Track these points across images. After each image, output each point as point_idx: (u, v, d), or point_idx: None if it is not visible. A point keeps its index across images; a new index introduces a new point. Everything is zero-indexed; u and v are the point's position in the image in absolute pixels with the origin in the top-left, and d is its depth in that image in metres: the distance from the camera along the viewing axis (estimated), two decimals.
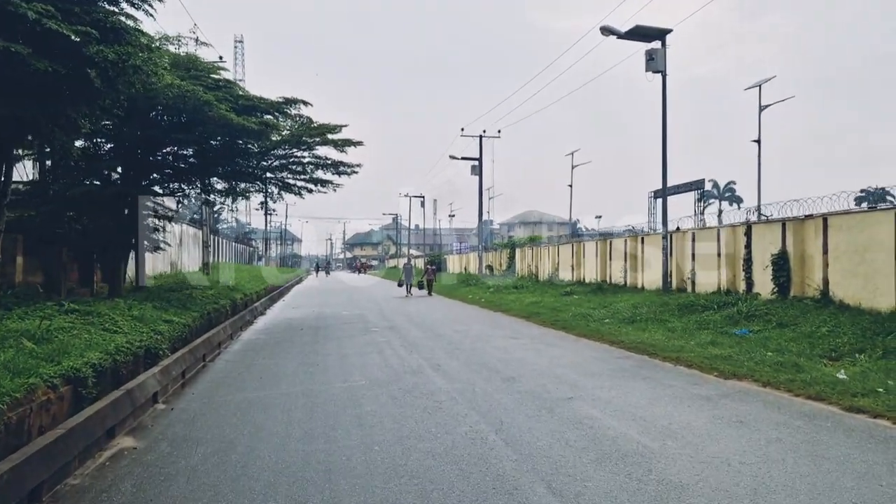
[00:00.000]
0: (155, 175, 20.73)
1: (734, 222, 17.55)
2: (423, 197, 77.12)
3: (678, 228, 20.16)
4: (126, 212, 18.70)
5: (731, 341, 11.93)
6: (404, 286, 33.50)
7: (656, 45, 18.83)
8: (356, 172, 23.97)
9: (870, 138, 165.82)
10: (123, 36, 12.49)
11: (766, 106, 29.96)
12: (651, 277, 21.56)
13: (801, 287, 14.62)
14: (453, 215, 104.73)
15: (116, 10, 12.86)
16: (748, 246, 16.41)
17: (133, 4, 13.55)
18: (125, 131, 17.66)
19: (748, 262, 16.40)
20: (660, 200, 40.85)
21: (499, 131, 43.45)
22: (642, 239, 22.69)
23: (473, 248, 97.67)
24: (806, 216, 14.74)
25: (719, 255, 17.78)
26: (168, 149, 20.24)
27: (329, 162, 23.27)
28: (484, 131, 43.04)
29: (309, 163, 23.43)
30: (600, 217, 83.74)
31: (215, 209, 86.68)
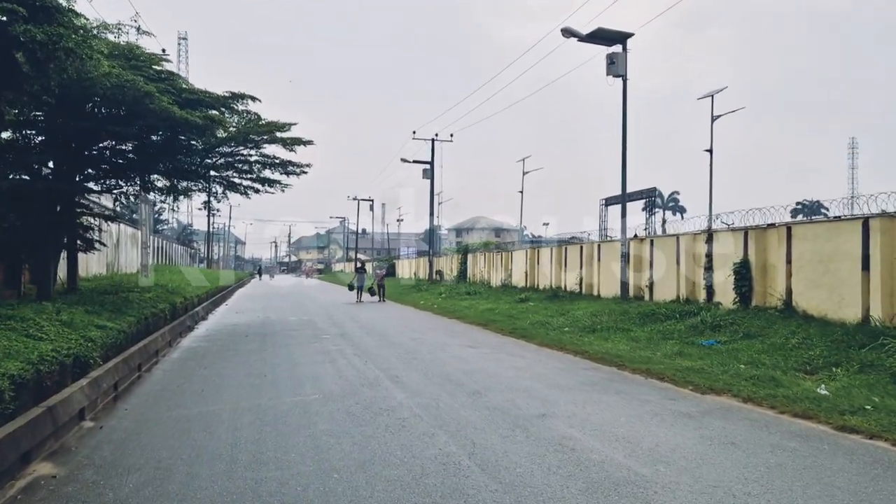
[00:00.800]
0: (90, 170, 19.46)
1: (694, 230, 17.33)
2: (373, 200, 76.02)
3: (636, 235, 19.88)
4: (58, 208, 17.46)
5: (699, 352, 11.55)
6: (355, 291, 32.19)
7: (617, 48, 18.53)
8: (305, 173, 23.11)
9: (800, 151, 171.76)
10: (55, 16, 11.45)
11: (718, 116, 30.19)
12: (608, 285, 21.26)
13: (763, 297, 14.41)
14: (401, 220, 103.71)
15: None
16: (709, 254, 16.18)
17: None
18: (59, 123, 16.43)
19: (709, 270, 16.17)
20: (611, 208, 40.67)
21: (451, 135, 42.81)
22: (599, 246, 22.39)
23: (421, 252, 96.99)
24: (768, 225, 14.54)
25: (678, 263, 17.53)
26: (105, 143, 19.04)
27: (277, 161, 22.35)
28: (436, 135, 42.48)
29: (256, 161, 22.45)
30: (548, 224, 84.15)
31: (156, 208, 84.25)
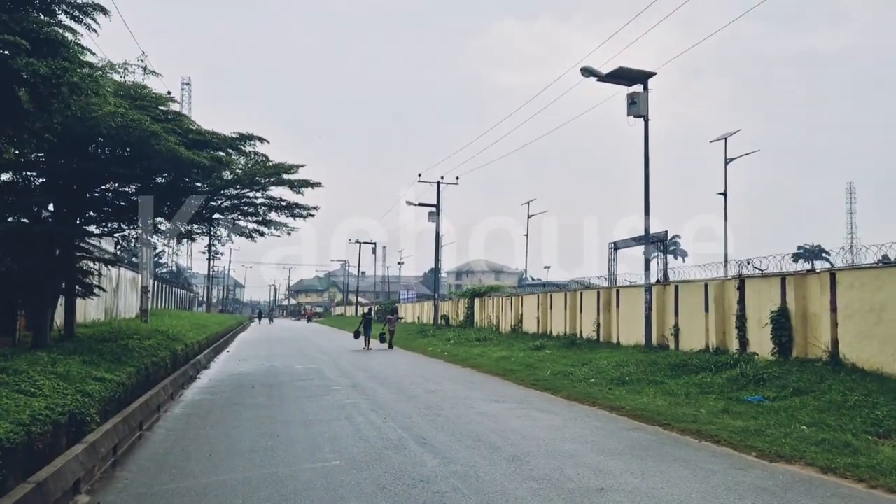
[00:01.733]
0: (92, 213, 18.77)
1: (724, 276, 16.54)
2: (375, 244, 75.40)
3: (658, 280, 19.09)
4: (57, 252, 16.71)
5: (747, 410, 10.65)
6: (361, 338, 29.97)
7: (637, 88, 18.02)
8: (312, 215, 22.40)
9: (802, 195, 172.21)
10: (60, 51, 10.85)
11: (732, 159, 29.69)
12: (628, 332, 20.39)
13: (805, 348, 13.56)
14: (402, 263, 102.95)
15: (52, 20, 11.24)
16: (741, 301, 15.37)
17: (73, 17, 11.93)
18: (60, 164, 15.76)
19: (741, 318, 15.33)
20: (619, 252, 39.93)
21: (457, 178, 42.40)
22: (617, 291, 21.59)
23: (422, 296, 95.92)
24: (808, 271, 13.79)
25: (707, 310, 16.71)
26: (108, 185, 18.39)
27: (284, 203, 21.62)
28: (442, 177, 42.02)
29: (262, 204, 21.72)
30: (549, 268, 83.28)
31: (156, 252, 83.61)
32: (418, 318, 51.81)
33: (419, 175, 42.15)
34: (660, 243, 33.49)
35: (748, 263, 15.66)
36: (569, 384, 14.85)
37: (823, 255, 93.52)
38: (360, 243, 78.49)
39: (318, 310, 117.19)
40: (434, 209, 42.18)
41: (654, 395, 12.65)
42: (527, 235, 52.38)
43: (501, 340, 27.09)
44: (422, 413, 11.62)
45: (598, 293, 22.55)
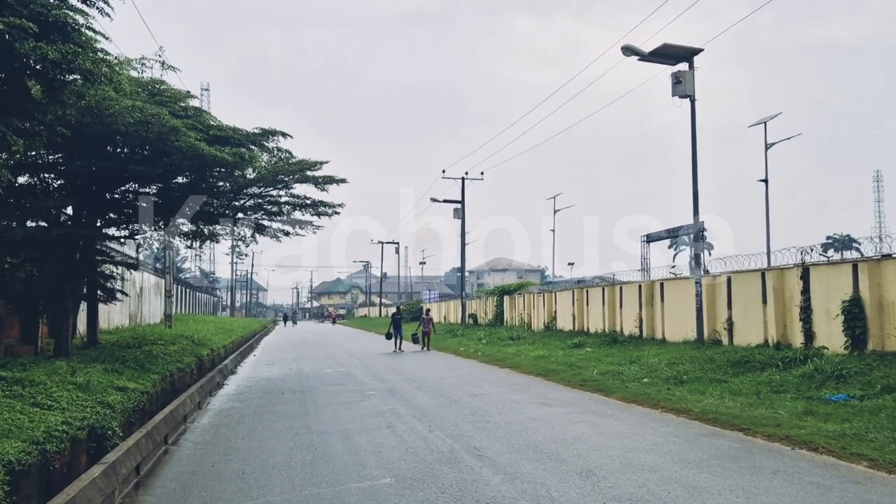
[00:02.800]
0: (112, 215, 18.05)
1: (783, 264, 15.38)
2: (398, 243, 74.60)
3: (707, 272, 17.97)
4: (77, 256, 16.00)
5: (835, 411, 9.57)
6: (393, 340, 28.28)
7: (682, 66, 16.92)
8: (338, 213, 21.51)
9: (827, 187, 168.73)
10: (70, 35, 10.02)
11: (772, 144, 28.40)
12: (675, 328, 19.28)
13: (882, 340, 12.41)
14: (424, 262, 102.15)
15: (61, 2, 10.42)
16: (805, 291, 14.23)
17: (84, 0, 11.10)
18: (78, 165, 15.00)
19: (806, 310, 14.19)
20: (653, 245, 38.70)
21: (482, 173, 41.40)
22: (661, 284, 20.47)
23: (444, 295, 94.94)
24: (883, 256, 12.64)
25: (765, 302, 15.56)
26: (128, 186, 17.66)
27: (309, 202, 20.73)
28: (466, 173, 41.03)
29: (286, 202, 20.86)
30: (573, 264, 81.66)
31: (178, 257, 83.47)
32: (444, 317, 50.86)
33: (443, 171, 41.20)
34: (697, 235, 32.24)
35: (811, 251, 14.51)
36: (620, 384, 13.82)
37: (854, 244, 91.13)
38: (383, 243, 77.77)
39: (341, 311, 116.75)
40: (459, 205, 41.23)
41: (721, 396, 11.58)
42: (553, 231, 51.24)
43: (536, 339, 26.06)
44: (468, 419, 10.66)
45: (640, 287, 21.45)
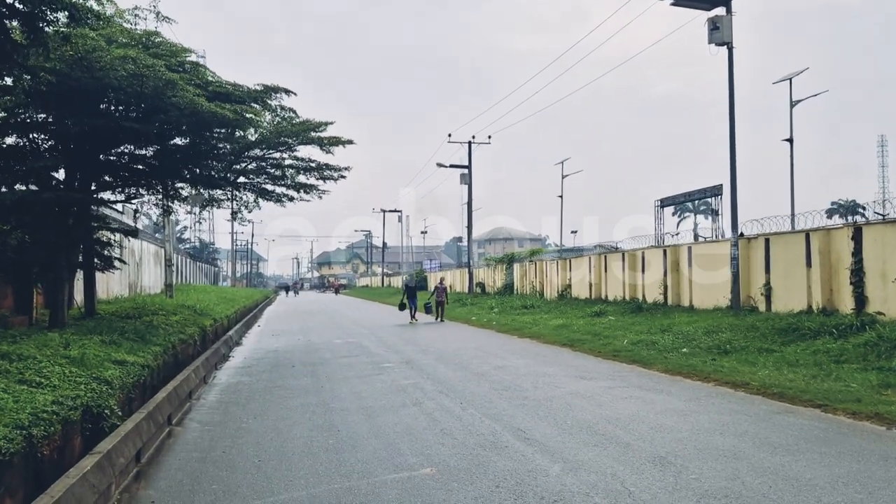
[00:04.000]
0: (106, 178, 16.91)
1: (831, 224, 14.29)
2: (401, 212, 73.40)
3: (742, 234, 16.87)
4: (70, 222, 14.93)
5: None
6: (407, 310, 26.03)
7: (720, 11, 15.64)
8: (344, 177, 20.31)
9: (832, 155, 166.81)
10: None
11: (798, 101, 27.10)
12: (703, 294, 18.26)
13: None
14: (425, 232, 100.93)
15: None
16: (857, 253, 13.16)
17: None
18: (69, 123, 13.84)
19: (858, 273, 13.14)
20: (667, 209, 37.44)
21: (489, 137, 40.20)
22: (689, 248, 19.40)
23: (445, 265, 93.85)
24: None
25: (809, 265, 14.51)
26: (123, 147, 16.53)
27: (313, 165, 19.54)
28: (473, 137, 39.74)
29: (289, 166, 19.66)
30: (576, 232, 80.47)
31: (178, 227, 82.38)
32: (450, 286, 49.86)
33: (449, 135, 39.91)
34: (714, 198, 31.04)
35: (863, 209, 13.39)
36: (657, 355, 12.82)
37: (859, 209, 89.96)
38: (385, 211, 76.62)
39: (343, 281, 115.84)
40: (465, 171, 40.04)
41: (776, 367, 10.57)
42: (561, 197, 49.91)
43: (551, 307, 25.06)
44: (502, 395, 9.66)
45: (665, 252, 20.39)
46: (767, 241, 15.93)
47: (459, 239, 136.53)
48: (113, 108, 15.06)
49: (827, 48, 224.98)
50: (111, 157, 16.58)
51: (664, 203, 36.46)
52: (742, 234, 16.76)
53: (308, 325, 25.91)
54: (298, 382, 11.66)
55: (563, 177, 50.86)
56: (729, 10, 15.48)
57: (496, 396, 9.57)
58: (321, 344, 18.38)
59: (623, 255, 23.14)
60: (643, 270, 21.73)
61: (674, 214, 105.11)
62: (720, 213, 30.22)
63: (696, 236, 32.94)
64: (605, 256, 24.48)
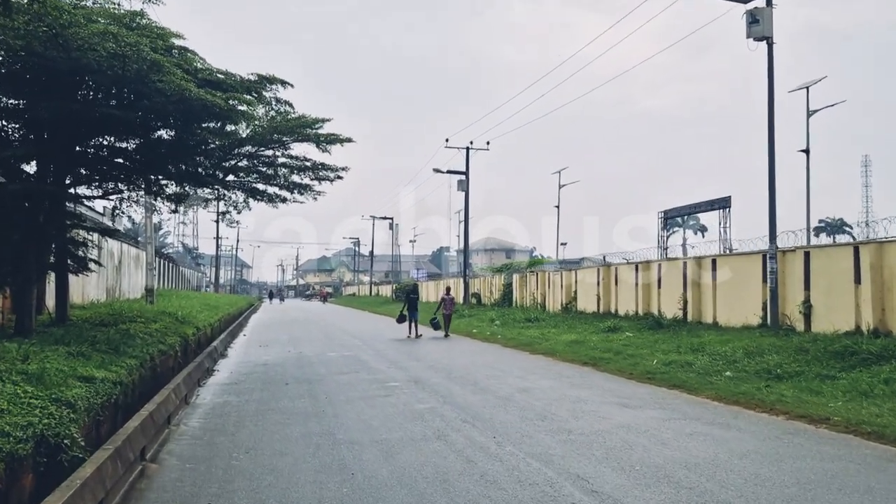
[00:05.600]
0: (83, 171, 15.37)
1: (882, 237, 12.99)
2: (392, 219, 71.90)
3: (732, 250, 15.55)
4: (42, 219, 13.41)
5: None
6: (408, 323, 22.85)
7: (759, 3, 14.36)
8: (341, 178, 18.80)
9: (814, 173, 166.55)
10: None
11: (816, 111, 25.99)
12: (731, 311, 16.91)
13: None
14: (414, 240, 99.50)
15: None
16: None
17: None
18: (42, 109, 12.30)
19: None
20: (676, 221, 36.02)
21: (487, 143, 38.87)
22: (713, 262, 18.05)
23: (432, 275, 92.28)
24: None
25: (858, 281, 13.19)
26: (102, 139, 15.04)
27: (308, 164, 18.01)
28: (471, 142, 38.39)
29: (283, 164, 18.11)
30: (565, 244, 79.41)
31: (160, 232, 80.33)
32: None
33: (446, 140, 38.50)
34: (723, 209, 29.79)
35: (850, 228, 12.12)
36: (699, 379, 11.40)
37: (846, 228, 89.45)
38: (374, 218, 75.05)
39: (328, 289, 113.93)
40: (463, 177, 38.64)
41: (849, 398, 9.18)
42: (558, 207, 48.71)
43: (557, 321, 23.63)
44: (539, 427, 8.18)
45: (685, 265, 19.04)
46: (807, 254, 14.60)
47: (446, 248, 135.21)
48: (92, 94, 13.59)
49: (816, 68, 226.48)
50: (89, 150, 15.08)
51: (668, 214, 35.22)
52: (732, 250, 15.40)
53: (297, 336, 24.32)
54: (295, 404, 10.12)
55: (560, 186, 49.68)
56: (769, 3, 14.21)
57: (533, 429, 8.09)
58: (314, 357, 16.82)
59: (636, 266, 21.79)
60: (659, 285, 20.38)
61: (663, 229, 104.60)
62: (728, 225, 28.95)
63: (684, 250, 31.68)
64: (616, 268, 23.12)
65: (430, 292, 53.99)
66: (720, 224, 29.94)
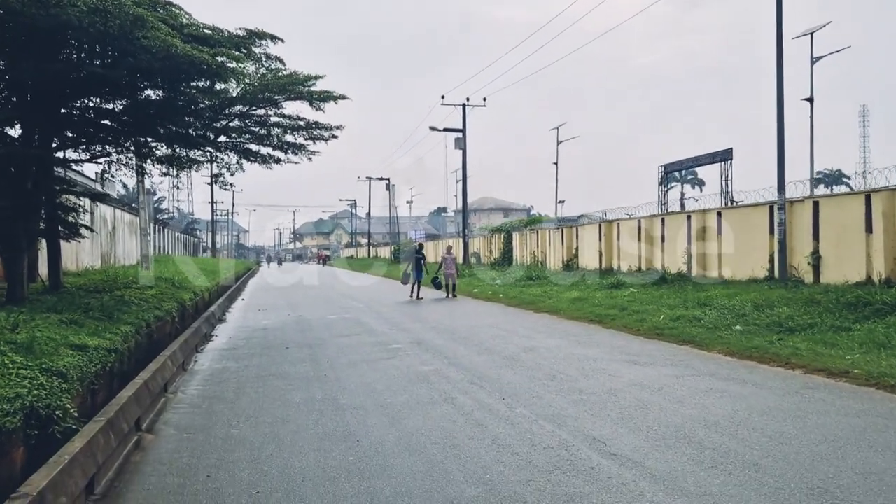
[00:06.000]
0: (69, 133, 14.88)
1: (894, 184, 12.61)
2: (388, 179, 71.23)
3: (733, 201, 15.20)
4: (30, 185, 13.00)
5: None
6: (411, 286, 22.23)
7: None
8: (335, 137, 18.22)
9: (800, 121, 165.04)
10: None
11: (819, 58, 25.34)
12: (737, 264, 16.61)
13: None
14: (411, 201, 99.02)
15: None
16: None
17: None
18: (23, 69, 11.78)
19: None
20: (673, 176, 35.56)
21: (484, 99, 38.29)
22: (719, 213, 17.69)
23: (429, 235, 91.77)
24: None
25: (870, 230, 12.85)
26: (88, 100, 14.51)
27: (302, 123, 17.45)
28: (468, 99, 37.74)
29: (276, 124, 17.55)
30: (563, 202, 78.97)
31: (156, 198, 79.54)
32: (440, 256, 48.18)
33: (442, 97, 37.87)
34: (725, 161, 29.25)
35: (849, 178, 11.71)
36: (709, 334, 11.13)
37: (844, 179, 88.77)
38: (371, 179, 74.38)
39: (326, 252, 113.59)
40: (460, 134, 38.02)
41: (865, 350, 8.91)
42: (556, 164, 48.13)
43: (558, 279, 23.34)
44: (548, 387, 7.91)
45: (689, 218, 18.68)
46: (816, 204, 14.23)
47: (443, 209, 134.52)
48: (75, 54, 13.06)
49: (817, 13, 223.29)
50: (75, 112, 14.59)
51: (668, 169, 34.70)
52: (734, 202, 15.02)
53: (296, 299, 24.05)
54: (296, 369, 9.85)
55: (559, 142, 49.01)
56: None
57: (542, 389, 7.82)
58: (315, 320, 16.54)
59: (639, 221, 21.42)
60: (663, 239, 20.04)
61: (660, 184, 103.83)
62: (729, 178, 28.50)
63: (682, 205, 31.45)
64: (618, 224, 22.75)
65: (429, 253, 53.69)
66: (722, 177, 29.49)
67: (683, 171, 76.26)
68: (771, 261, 15.38)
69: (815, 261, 14.14)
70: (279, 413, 7.21)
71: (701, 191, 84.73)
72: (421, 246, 24.70)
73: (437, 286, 22.81)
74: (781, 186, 14.41)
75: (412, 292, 22.21)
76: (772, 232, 15.35)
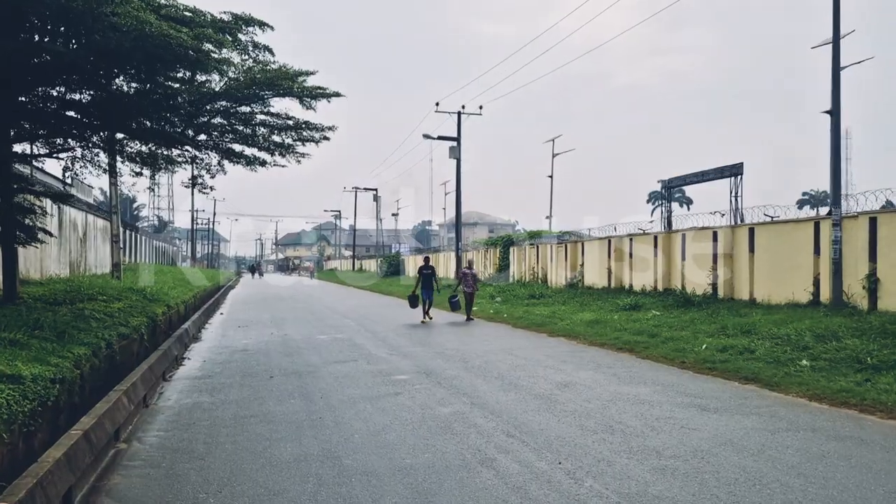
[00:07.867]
0: (27, 125, 13.09)
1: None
2: (376, 190, 69.47)
3: (830, 213, 13.60)
4: None
5: None
6: (421, 304, 19.15)
7: None
8: (327, 138, 16.54)
9: (783, 143, 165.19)
10: None
11: (844, 67, 23.89)
12: (775, 287, 14.95)
13: None
14: (396, 214, 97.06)
15: None
16: None
17: None
18: None
19: None
20: (658, 193, 34.25)
21: (480, 107, 36.58)
22: (751, 230, 16.07)
23: (415, 250, 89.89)
24: None
25: None
26: (52, 89, 12.77)
27: (291, 123, 15.71)
28: (463, 107, 36.09)
29: (262, 123, 15.78)
30: (550, 217, 77.64)
31: (134, 205, 77.02)
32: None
33: (436, 104, 36.18)
34: (735, 177, 27.77)
35: (838, 197, 10.10)
36: (773, 370, 9.43)
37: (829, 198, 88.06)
38: (357, 189, 72.54)
39: (308, 264, 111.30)
40: (454, 143, 36.34)
41: None
42: (551, 177, 46.62)
43: (565, 298, 21.63)
44: (612, 446, 6.14)
45: (715, 234, 17.05)
46: (874, 220, 12.64)
47: (428, 223, 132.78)
48: (36, 34, 11.34)
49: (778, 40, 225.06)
50: (37, 100, 12.87)
51: (671, 184, 33.18)
52: (743, 220, 13.43)
53: (280, 315, 22.13)
54: (283, 408, 8.01)
55: (554, 155, 47.52)
56: None
57: (605, 448, 6.05)
58: (302, 341, 14.68)
59: (655, 238, 19.78)
60: (683, 257, 18.40)
61: (648, 202, 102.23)
62: (739, 194, 26.99)
63: (669, 223, 29.60)
64: (630, 240, 21.09)
65: (410, 268, 51.86)
66: (731, 192, 27.93)
67: (671, 189, 75.09)
68: (815, 283, 13.77)
69: (873, 284, 12.53)
70: (263, 479, 5.39)
71: (689, 209, 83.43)
72: (427, 259, 21.36)
73: (455, 306, 19.91)
74: (836, 200, 12.81)
75: (424, 314, 19.19)
76: (816, 252, 13.76)
